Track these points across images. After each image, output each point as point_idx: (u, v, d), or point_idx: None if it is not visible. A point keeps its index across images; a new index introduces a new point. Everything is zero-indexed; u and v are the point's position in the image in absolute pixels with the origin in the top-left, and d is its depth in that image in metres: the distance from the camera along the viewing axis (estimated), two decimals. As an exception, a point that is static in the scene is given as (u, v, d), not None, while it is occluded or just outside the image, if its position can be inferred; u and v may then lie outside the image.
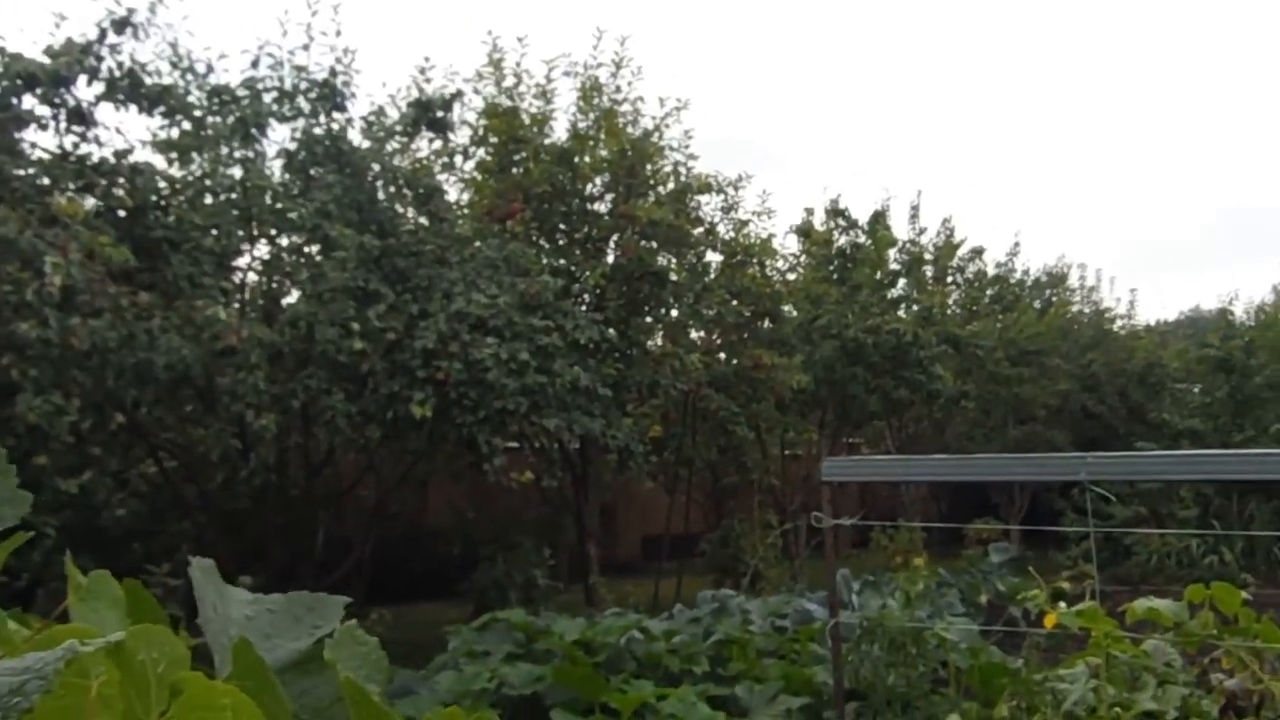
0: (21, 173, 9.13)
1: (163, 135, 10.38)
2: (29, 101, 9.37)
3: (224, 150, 10.52)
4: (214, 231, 9.80)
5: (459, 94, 12.23)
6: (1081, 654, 6.22)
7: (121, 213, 9.49)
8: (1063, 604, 6.44)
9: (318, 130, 11.02)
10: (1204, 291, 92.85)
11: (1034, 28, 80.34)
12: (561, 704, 7.06)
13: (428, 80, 12.48)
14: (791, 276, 18.52)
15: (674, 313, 15.24)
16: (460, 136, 13.55)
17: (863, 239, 19.41)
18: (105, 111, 9.78)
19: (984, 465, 8.73)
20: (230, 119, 10.50)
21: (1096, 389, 23.39)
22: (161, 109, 10.10)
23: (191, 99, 10.47)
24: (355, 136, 11.47)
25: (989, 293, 23.62)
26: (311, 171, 10.83)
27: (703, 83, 66.99)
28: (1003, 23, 77.53)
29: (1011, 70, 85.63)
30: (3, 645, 1.07)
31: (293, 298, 10.85)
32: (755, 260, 15.89)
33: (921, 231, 21.73)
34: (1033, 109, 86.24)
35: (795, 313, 17.40)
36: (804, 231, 19.34)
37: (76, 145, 9.64)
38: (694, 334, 16.02)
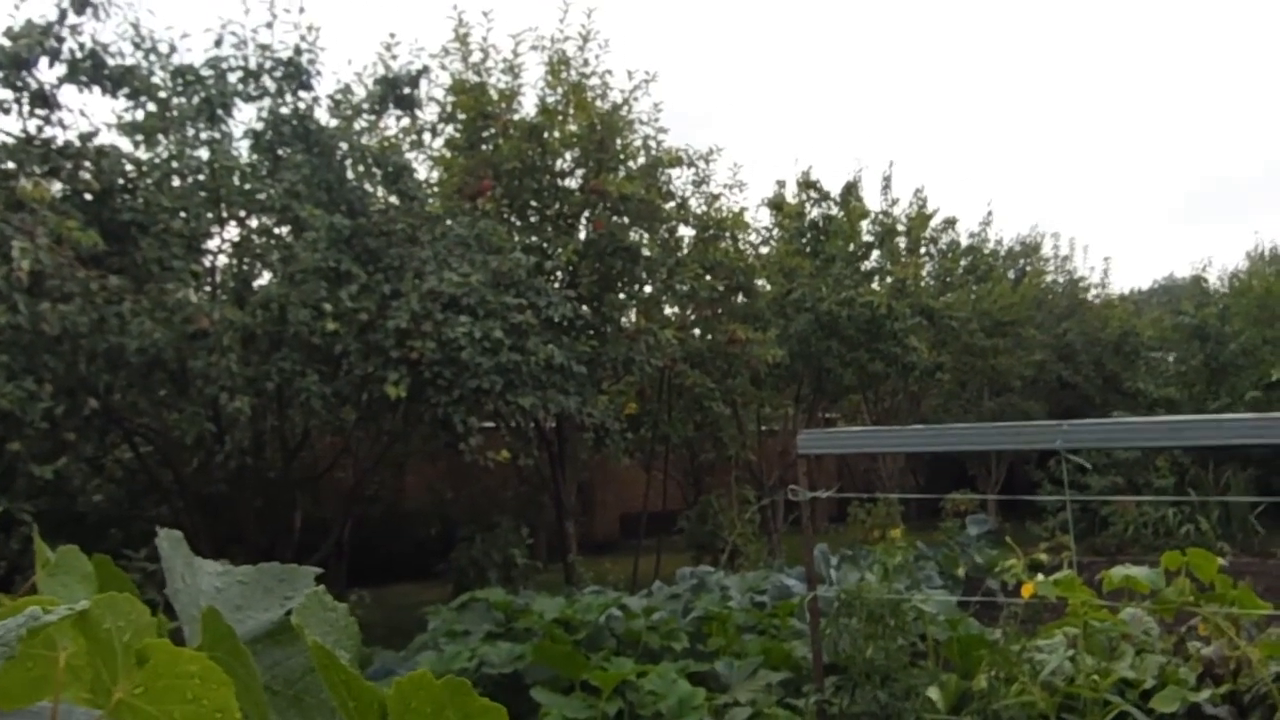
0: (-15, 157, 9.05)
1: (128, 117, 10.28)
2: (-10, 85, 9.27)
3: (190, 131, 10.43)
4: (182, 214, 9.73)
5: (425, 70, 12.15)
6: (1059, 623, 6.26)
7: (88, 196, 9.40)
8: (1040, 575, 6.48)
9: (284, 109, 10.93)
10: (1178, 259, 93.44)
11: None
12: (542, 682, 7.06)
13: (394, 57, 12.39)
14: (764, 250, 18.53)
15: (647, 288, 15.23)
16: (428, 113, 13.49)
17: (835, 211, 19.42)
18: (69, 94, 9.69)
19: (961, 435, 8.78)
20: (195, 99, 10.41)
21: (1071, 359, 23.52)
22: (125, 90, 10.00)
23: (155, 80, 10.37)
24: (322, 115, 11.42)
25: (963, 264, 23.66)
26: (279, 151, 10.75)
27: (671, 56, 66.82)
28: (972, -5, 77.54)
29: (979, 37, 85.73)
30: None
31: (264, 279, 10.80)
32: (728, 234, 15.88)
33: (894, 203, 21.74)
34: (1001, 76, 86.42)
35: (769, 286, 17.39)
36: (776, 204, 19.33)
37: (40, 129, 9.54)
38: (668, 310, 16.02)
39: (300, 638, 1.15)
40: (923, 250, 22.85)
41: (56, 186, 9.29)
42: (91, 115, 10.14)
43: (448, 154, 14.18)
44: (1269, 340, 21.41)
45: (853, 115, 76.69)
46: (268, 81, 10.94)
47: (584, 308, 12.63)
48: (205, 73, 10.61)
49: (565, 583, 13.33)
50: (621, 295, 14.84)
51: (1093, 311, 24.74)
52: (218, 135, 10.59)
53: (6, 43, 9.16)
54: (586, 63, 14.03)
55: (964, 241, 23.97)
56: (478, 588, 10.44)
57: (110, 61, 9.81)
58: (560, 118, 13.84)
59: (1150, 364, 23.53)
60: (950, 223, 23.30)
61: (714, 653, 7.98)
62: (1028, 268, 25.25)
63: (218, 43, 10.81)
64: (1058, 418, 20.50)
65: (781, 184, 19.67)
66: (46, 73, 9.50)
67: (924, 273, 21.96)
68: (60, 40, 9.49)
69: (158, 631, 1.02)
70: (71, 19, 9.55)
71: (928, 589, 9.81)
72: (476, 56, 13.84)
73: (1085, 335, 23.64)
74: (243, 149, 10.94)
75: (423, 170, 13.89)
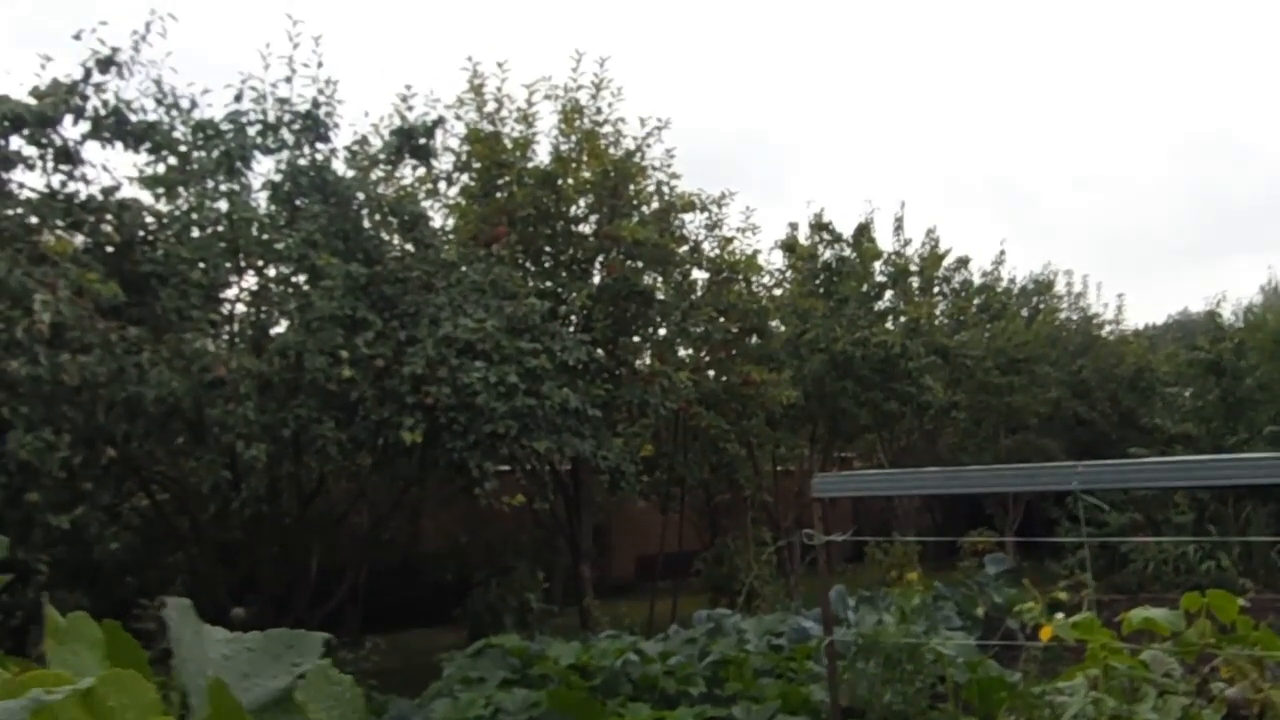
0: (10, 212, 9.14)
1: (149, 171, 10.40)
2: (16, 142, 9.38)
3: (209, 184, 10.54)
4: (201, 264, 9.81)
5: (441, 120, 12.25)
6: (1080, 666, 6.22)
7: (109, 249, 9.51)
8: (1060, 615, 6.44)
9: (302, 161, 11.04)
10: (1191, 294, 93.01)
11: (1007, 34, 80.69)
12: (558, 728, 7.04)
13: (409, 108, 12.50)
14: (778, 292, 18.56)
15: (661, 331, 15.26)
16: (443, 163, 13.60)
17: (848, 252, 19.47)
18: (92, 149, 9.79)
19: (976, 477, 8.67)
20: (215, 153, 10.53)
21: (1087, 395, 23.45)
22: (147, 145, 10.12)
23: (176, 134, 10.49)
24: (339, 166, 11.50)
25: (976, 302, 23.68)
26: (297, 202, 10.85)
27: (683, 100, 67.17)
28: (974, 30, 77.85)
29: (989, 80, 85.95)
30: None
31: (281, 328, 10.86)
32: (741, 276, 15.92)
33: (906, 243, 21.81)
34: (1011, 117, 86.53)
35: (783, 328, 17.42)
36: (789, 246, 19.40)
37: (64, 184, 9.64)
38: (682, 352, 16.03)
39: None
40: (936, 290, 22.89)
41: (79, 239, 9.40)
42: (114, 169, 10.25)
43: (463, 202, 14.27)
44: (1286, 374, 21.28)
45: (863, 157, 76.92)
46: (286, 134, 11.05)
47: (598, 351, 12.68)
48: (225, 127, 10.72)
49: (581, 627, 13.30)
50: (636, 338, 14.89)
51: (1107, 348, 24.72)
52: (237, 187, 10.69)
53: (33, 102, 9.29)
54: (599, 110, 14.14)
55: (977, 280, 24.04)
56: (493, 633, 10.43)
57: (133, 118, 9.93)
58: (574, 165, 13.93)
59: (1167, 399, 23.43)
60: (963, 262, 23.38)
61: (731, 697, 7.93)
62: (1041, 305, 25.26)
63: (238, 97, 10.94)
64: (1074, 454, 20.49)
65: (794, 226, 19.78)
66: (71, 129, 9.63)
67: (937, 312, 21.98)
68: (85, 98, 9.62)
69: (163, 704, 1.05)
70: (96, 77, 9.69)
71: (947, 630, 9.75)
72: (491, 106, 13.96)
73: (1100, 372, 23.61)
74: (261, 200, 11.04)
75: (438, 218, 14.00)
